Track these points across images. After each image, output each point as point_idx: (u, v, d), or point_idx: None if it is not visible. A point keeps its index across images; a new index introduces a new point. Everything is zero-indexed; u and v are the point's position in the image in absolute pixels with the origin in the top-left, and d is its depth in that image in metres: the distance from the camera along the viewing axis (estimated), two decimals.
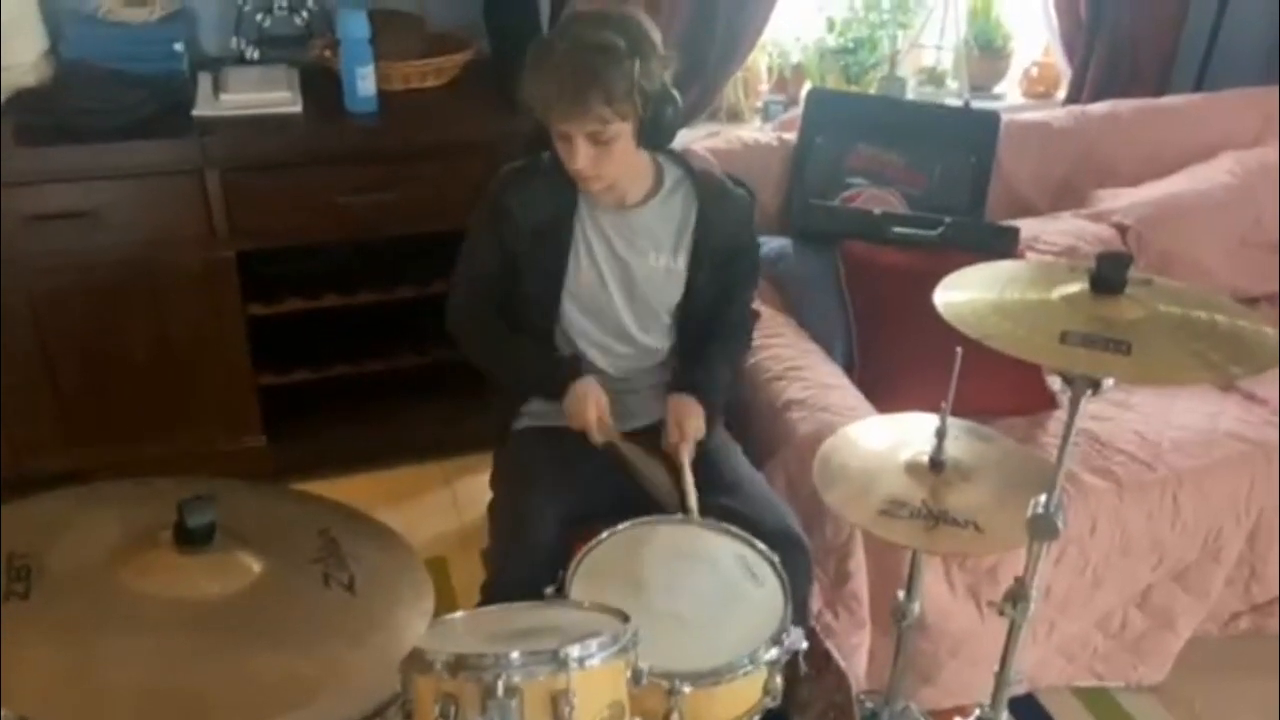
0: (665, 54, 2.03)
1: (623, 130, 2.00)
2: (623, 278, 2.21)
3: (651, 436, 2.24)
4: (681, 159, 2.26)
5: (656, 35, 2.02)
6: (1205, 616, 2.67)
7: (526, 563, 2.02)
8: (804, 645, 1.90)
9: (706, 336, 2.31)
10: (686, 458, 2.16)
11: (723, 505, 2.14)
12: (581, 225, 2.18)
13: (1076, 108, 3.65)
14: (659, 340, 2.30)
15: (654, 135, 2.05)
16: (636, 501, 2.11)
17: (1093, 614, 2.57)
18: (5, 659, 1.18)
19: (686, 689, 1.74)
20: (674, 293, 2.26)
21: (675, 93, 2.04)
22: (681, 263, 2.23)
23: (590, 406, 2.15)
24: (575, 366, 2.23)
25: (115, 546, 1.35)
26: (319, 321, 3.10)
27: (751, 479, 2.25)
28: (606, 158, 2.02)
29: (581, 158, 2.01)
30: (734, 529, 2.07)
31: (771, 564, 2.00)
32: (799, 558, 2.10)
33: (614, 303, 2.23)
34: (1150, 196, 3.31)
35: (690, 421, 2.19)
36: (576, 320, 2.24)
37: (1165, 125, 3.56)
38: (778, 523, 2.13)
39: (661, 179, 2.21)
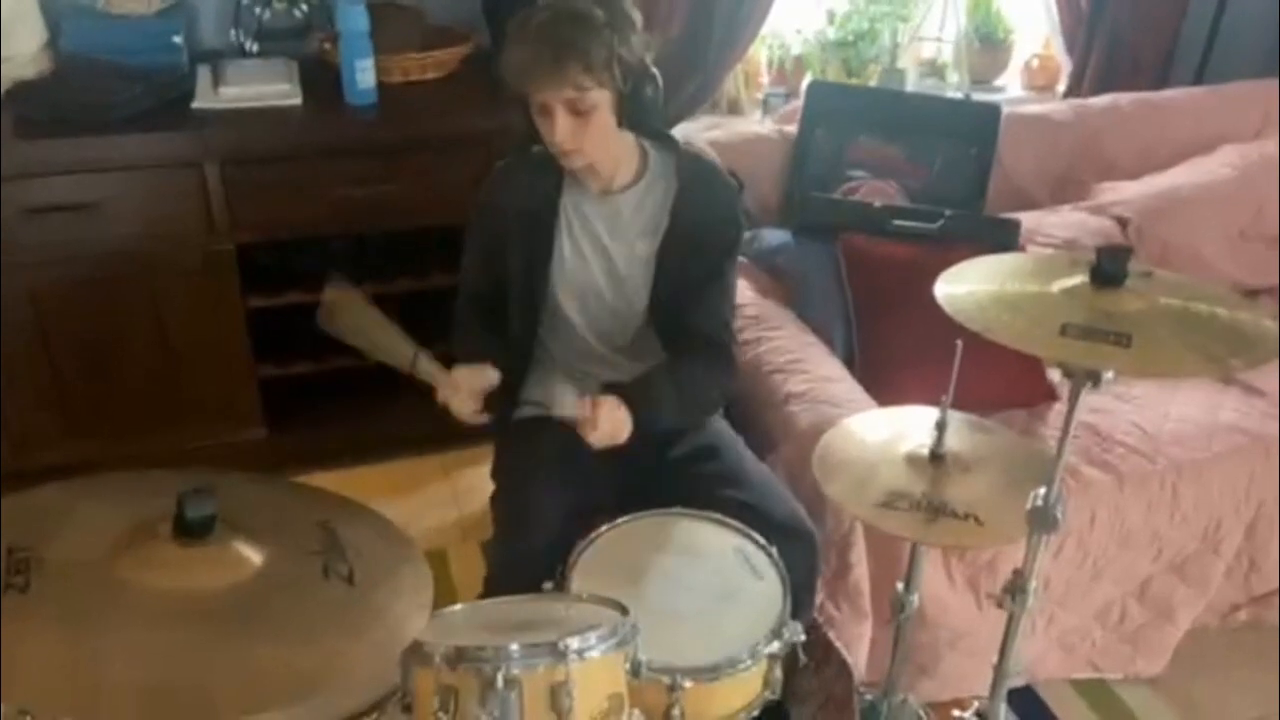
0: (645, 35, 2.03)
1: (601, 100, 1.98)
2: (606, 265, 2.19)
3: (649, 432, 2.21)
4: (672, 144, 2.23)
5: (636, 15, 2.02)
6: (1204, 608, 2.67)
7: (528, 556, 2.02)
8: (802, 637, 1.91)
9: (677, 349, 2.22)
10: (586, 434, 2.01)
11: (729, 497, 2.13)
12: (566, 211, 2.18)
13: (1077, 100, 3.66)
14: (647, 331, 2.28)
15: (634, 112, 2.04)
16: (638, 493, 2.11)
17: (1092, 606, 2.57)
18: (5, 651, 1.19)
19: (687, 684, 1.74)
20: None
21: (655, 71, 2.04)
22: (657, 246, 2.19)
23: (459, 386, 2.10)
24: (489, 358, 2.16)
25: (115, 539, 1.35)
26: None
27: (758, 471, 2.25)
28: (586, 130, 2.01)
29: (561, 129, 1.99)
30: (732, 521, 2.07)
31: (770, 556, 2.00)
32: (807, 548, 2.10)
33: (599, 289, 2.21)
34: (1151, 189, 3.31)
35: (610, 421, 2.01)
36: (564, 307, 2.23)
37: (1166, 118, 3.56)
38: (785, 512, 2.13)
39: (647, 165, 2.19)
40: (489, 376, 2.12)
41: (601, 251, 2.19)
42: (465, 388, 2.10)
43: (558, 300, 2.22)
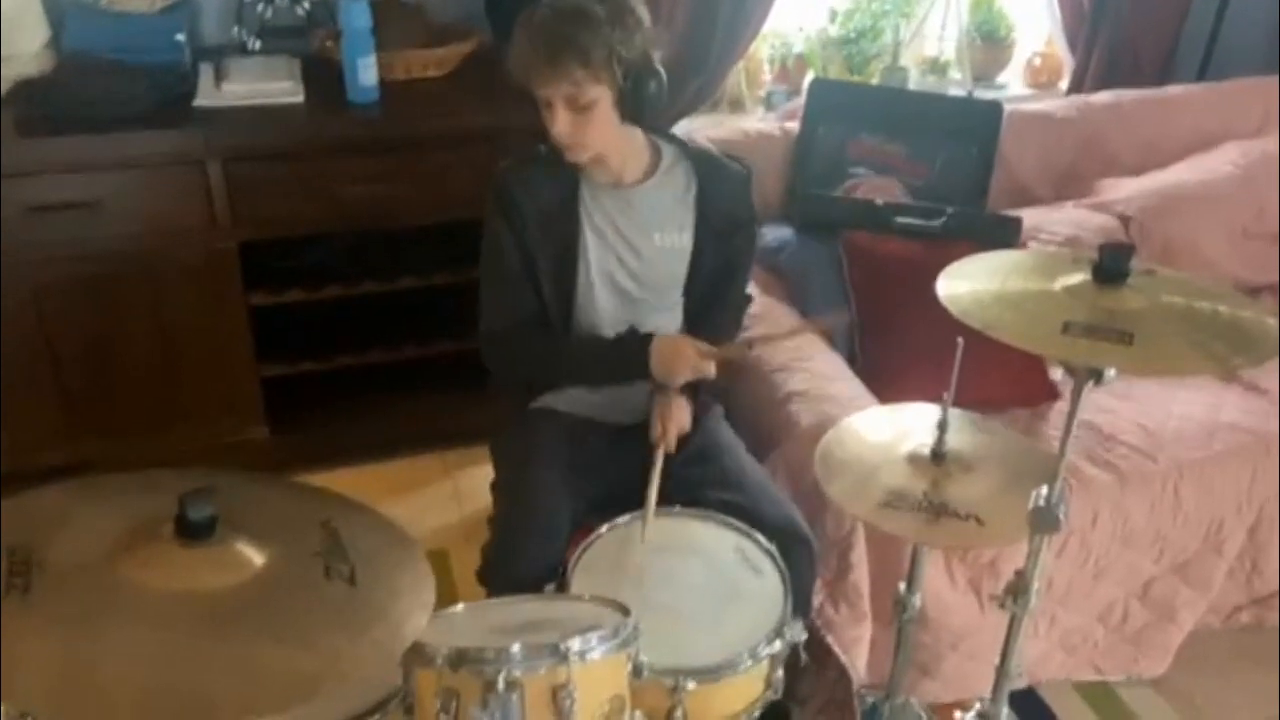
0: (651, 30, 2.04)
1: (601, 97, 2.00)
2: (629, 258, 2.21)
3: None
4: (676, 139, 2.29)
5: (642, 11, 2.03)
6: (1206, 609, 2.67)
7: (531, 534, 2.03)
8: (804, 637, 1.91)
9: (699, 323, 2.30)
10: (660, 456, 2.13)
11: (725, 500, 2.13)
12: (585, 208, 2.19)
13: (1079, 97, 3.65)
14: (667, 323, 2.28)
15: (636, 108, 2.05)
16: (637, 494, 2.11)
17: (1094, 607, 2.57)
18: (6, 653, 1.18)
19: (690, 685, 1.74)
20: (680, 270, 2.26)
21: (660, 68, 2.05)
22: (686, 239, 2.23)
23: (685, 349, 2.15)
24: (642, 334, 2.22)
25: (116, 539, 1.35)
26: (321, 312, 3.10)
27: (754, 473, 2.25)
28: (586, 125, 2.03)
29: (561, 123, 2.02)
30: (733, 521, 2.07)
31: (771, 556, 2.00)
32: (802, 551, 2.09)
33: (623, 286, 2.23)
34: (1152, 186, 3.31)
35: (674, 416, 2.18)
36: (592, 303, 2.23)
37: (1168, 115, 3.55)
38: (780, 517, 2.12)
39: (659, 158, 2.22)
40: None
41: (621, 243, 2.20)
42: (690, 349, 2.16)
43: (586, 296, 2.23)
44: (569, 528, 2.07)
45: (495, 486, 2.31)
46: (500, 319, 2.25)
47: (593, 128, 2.04)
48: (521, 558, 2.00)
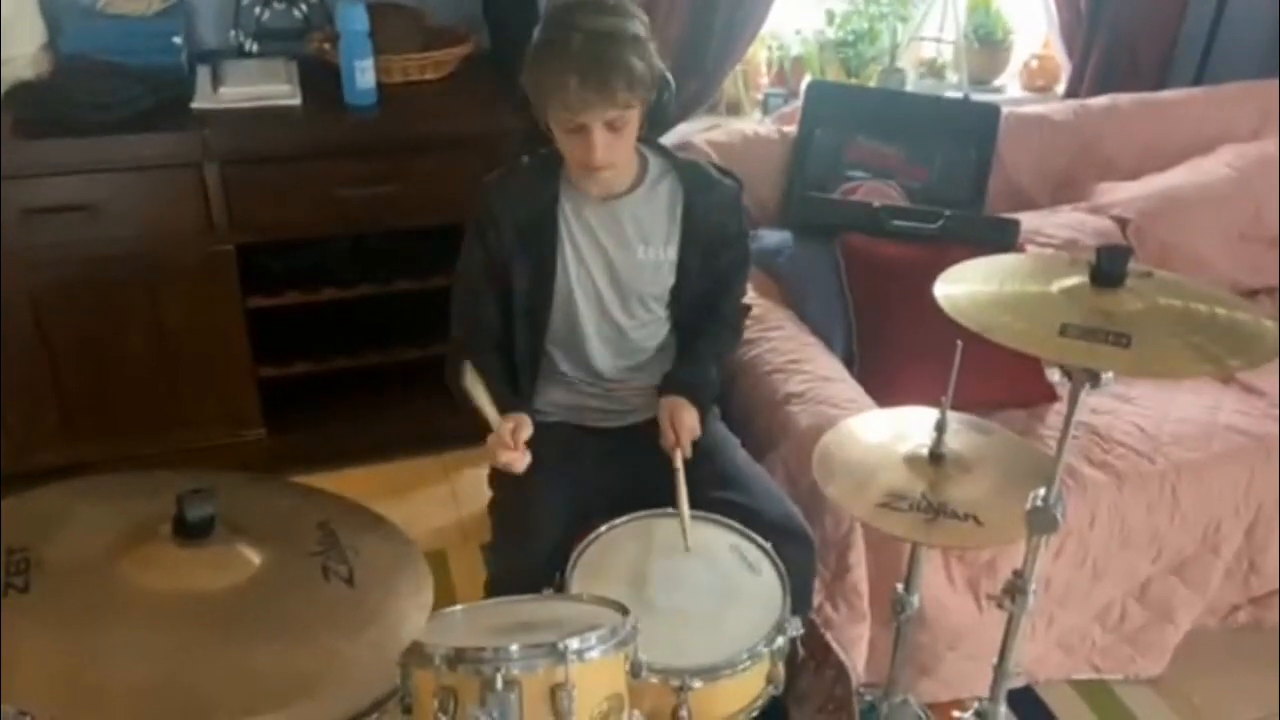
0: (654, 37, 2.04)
1: (635, 116, 2.00)
2: (609, 271, 2.19)
3: (649, 434, 2.23)
4: (665, 150, 2.25)
5: (644, 18, 2.02)
6: (1204, 609, 2.67)
7: (529, 560, 2.02)
8: (801, 631, 1.91)
9: (697, 331, 2.30)
10: (680, 460, 2.12)
11: (724, 499, 2.12)
12: (566, 220, 2.16)
13: (1076, 101, 3.66)
14: (651, 334, 2.28)
15: (656, 118, 2.05)
16: (637, 496, 2.11)
17: (1091, 607, 2.57)
18: (5, 652, 1.18)
19: (696, 684, 1.74)
20: (664, 284, 2.24)
21: (670, 76, 2.05)
22: (672, 252, 2.20)
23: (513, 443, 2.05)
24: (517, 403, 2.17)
25: (114, 539, 1.35)
26: (318, 314, 3.10)
27: (751, 471, 2.24)
28: (618, 145, 2.01)
29: (600, 148, 1.97)
30: (729, 521, 2.06)
31: (766, 552, 2.00)
32: (802, 549, 2.09)
33: (602, 297, 2.21)
34: (1150, 190, 3.31)
35: (684, 421, 2.16)
36: (570, 316, 2.22)
37: (1165, 118, 3.56)
38: (780, 514, 2.12)
39: (646, 169, 2.19)
40: (529, 427, 2.07)
41: (603, 256, 2.18)
42: (518, 442, 2.05)
43: (564, 309, 2.21)
44: (564, 542, 2.05)
45: (492, 505, 2.27)
46: (460, 328, 2.25)
47: (623, 146, 2.02)
48: (518, 582, 1.97)
